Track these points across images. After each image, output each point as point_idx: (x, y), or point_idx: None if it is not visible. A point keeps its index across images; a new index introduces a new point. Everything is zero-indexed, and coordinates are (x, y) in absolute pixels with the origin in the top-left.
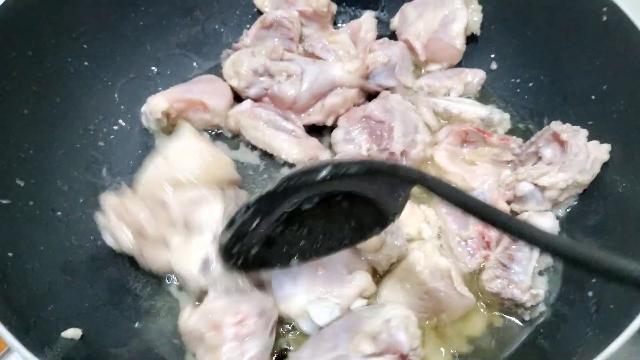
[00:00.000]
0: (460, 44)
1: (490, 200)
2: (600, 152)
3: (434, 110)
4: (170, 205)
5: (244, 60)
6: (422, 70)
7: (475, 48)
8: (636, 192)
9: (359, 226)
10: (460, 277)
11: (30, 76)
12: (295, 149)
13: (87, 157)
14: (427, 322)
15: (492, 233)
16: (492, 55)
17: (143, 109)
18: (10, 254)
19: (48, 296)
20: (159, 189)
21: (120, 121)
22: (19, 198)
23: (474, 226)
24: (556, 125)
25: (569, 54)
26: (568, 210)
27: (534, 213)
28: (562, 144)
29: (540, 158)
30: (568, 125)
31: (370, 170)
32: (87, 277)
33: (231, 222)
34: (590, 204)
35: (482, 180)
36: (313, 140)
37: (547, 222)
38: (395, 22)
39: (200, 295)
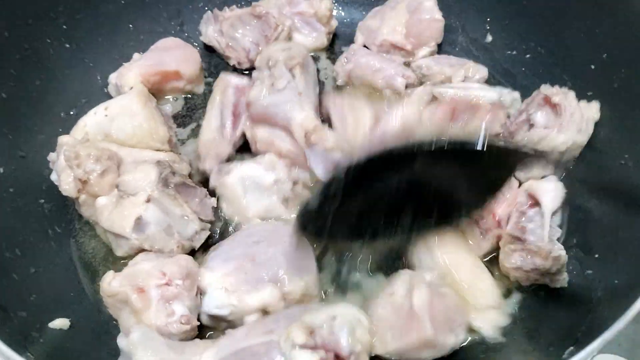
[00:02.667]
0: (438, 14)
1: None
2: (591, 111)
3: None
4: (125, 162)
5: (273, 47)
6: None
7: (468, 19)
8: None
9: (441, 213)
10: (429, 304)
11: (8, 58)
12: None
13: None
14: (385, 339)
15: (501, 211)
16: (487, 27)
17: (113, 80)
18: None
19: (30, 285)
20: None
21: None
22: None
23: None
24: (546, 89)
25: (567, 22)
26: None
27: (536, 180)
28: (553, 107)
29: (532, 125)
30: (557, 87)
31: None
32: (71, 265)
33: (323, 189)
34: (588, 166)
35: None
36: None
37: (550, 187)
38: (359, 39)
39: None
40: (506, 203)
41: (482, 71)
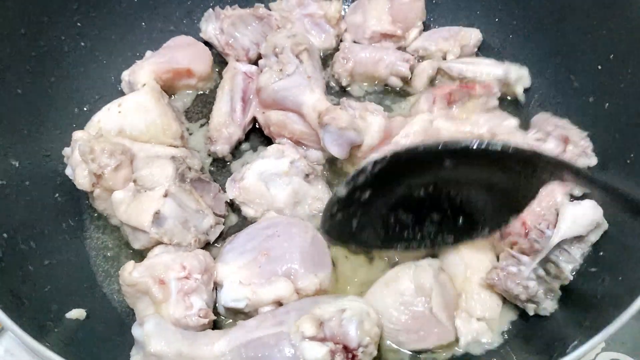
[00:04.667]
0: None
1: None
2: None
3: (445, 73)
4: (138, 157)
5: (278, 34)
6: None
7: (476, 18)
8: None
9: (468, 224)
10: (443, 304)
11: (24, 55)
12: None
13: None
14: (400, 339)
15: (530, 222)
16: (494, 28)
17: (126, 77)
18: (5, 235)
19: (45, 276)
20: (113, 137)
21: None
22: (14, 178)
23: None
24: (576, 135)
25: (573, 22)
26: None
27: (571, 203)
28: (566, 144)
29: (544, 141)
30: (589, 144)
31: (515, 152)
32: (84, 258)
33: (350, 181)
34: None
35: (489, 125)
36: None
37: (576, 212)
38: (348, 37)
39: (144, 250)
40: (537, 215)
41: (476, 34)
